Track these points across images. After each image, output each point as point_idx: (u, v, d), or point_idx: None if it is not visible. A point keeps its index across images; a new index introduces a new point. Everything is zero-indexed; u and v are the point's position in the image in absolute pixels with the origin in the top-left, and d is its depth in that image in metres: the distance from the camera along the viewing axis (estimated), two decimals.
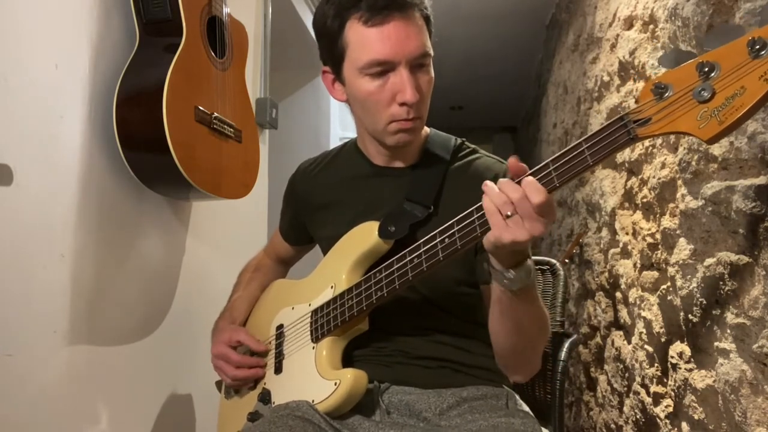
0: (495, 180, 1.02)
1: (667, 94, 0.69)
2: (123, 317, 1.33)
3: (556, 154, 0.76)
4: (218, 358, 1.13)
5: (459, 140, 1.11)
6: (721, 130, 0.65)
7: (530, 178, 0.76)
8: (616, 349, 1.98)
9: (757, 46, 0.63)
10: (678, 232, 1.39)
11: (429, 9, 0.98)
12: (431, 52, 0.97)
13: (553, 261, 1.35)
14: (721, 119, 0.65)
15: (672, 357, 1.44)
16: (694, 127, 0.67)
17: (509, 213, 0.76)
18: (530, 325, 0.91)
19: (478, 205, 0.81)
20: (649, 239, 1.63)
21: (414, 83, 0.93)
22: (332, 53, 0.98)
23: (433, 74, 0.99)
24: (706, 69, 0.66)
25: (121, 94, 1.24)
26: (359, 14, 0.92)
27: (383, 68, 0.93)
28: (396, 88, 0.93)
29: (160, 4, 1.29)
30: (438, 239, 0.86)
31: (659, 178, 1.53)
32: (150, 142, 1.23)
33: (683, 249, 1.35)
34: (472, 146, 1.11)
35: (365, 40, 0.92)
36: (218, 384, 1.25)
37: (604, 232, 2.19)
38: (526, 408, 1.02)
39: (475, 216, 0.82)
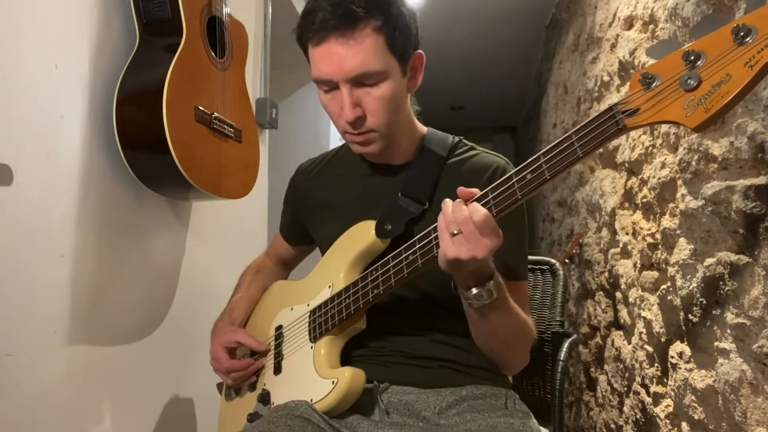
0: (494, 174, 1.03)
1: (654, 84, 0.70)
2: (123, 317, 1.34)
3: (547, 147, 0.77)
4: (213, 360, 1.15)
5: (457, 138, 1.11)
6: (708, 118, 0.66)
7: (474, 202, 0.81)
8: (616, 349, 1.98)
9: (742, 33, 0.64)
10: (678, 232, 1.39)
11: (392, 18, 0.93)
12: (382, 68, 0.93)
13: (553, 261, 1.35)
14: (707, 107, 0.65)
15: (672, 357, 1.44)
16: (681, 115, 0.68)
17: (455, 232, 0.79)
18: (503, 333, 0.95)
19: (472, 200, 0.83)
20: (649, 239, 1.63)
21: (354, 101, 0.93)
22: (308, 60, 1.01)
23: (387, 89, 0.94)
24: (692, 58, 0.67)
25: (121, 94, 1.24)
26: (308, 32, 0.94)
27: (328, 86, 0.95)
28: (341, 103, 0.95)
29: (160, 4, 1.29)
30: (432, 235, 0.87)
31: (659, 178, 1.53)
32: (150, 142, 1.23)
33: (683, 249, 1.35)
34: (470, 144, 1.12)
35: (312, 57, 0.95)
36: (219, 386, 1.25)
37: (604, 232, 2.19)
38: (525, 408, 1.02)
39: None
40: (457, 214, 0.80)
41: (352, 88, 0.93)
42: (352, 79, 0.92)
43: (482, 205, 0.81)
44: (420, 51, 1.01)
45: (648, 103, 0.70)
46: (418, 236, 0.89)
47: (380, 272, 0.93)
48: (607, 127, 0.73)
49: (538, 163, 0.77)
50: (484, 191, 0.82)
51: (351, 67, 0.91)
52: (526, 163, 0.79)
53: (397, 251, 0.92)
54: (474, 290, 0.85)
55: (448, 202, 0.83)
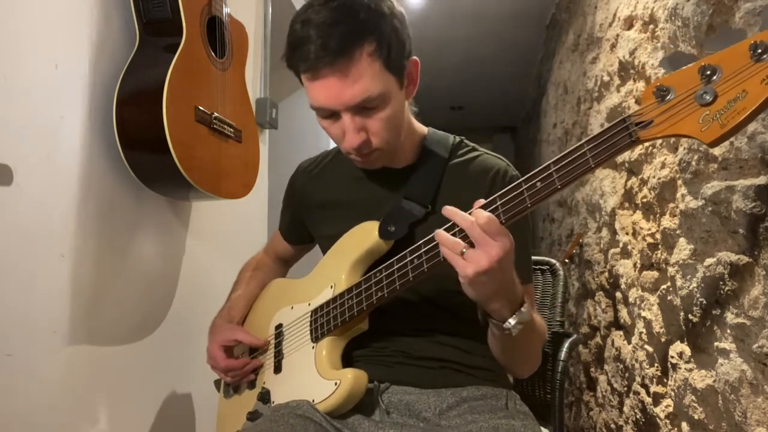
0: (496, 176, 1.03)
1: (669, 97, 0.69)
2: (123, 317, 1.34)
3: (558, 156, 0.77)
4: (210, 358, 1.15)
5: (458, 138, 1.11)
6: (723, 133, 0.65)
7: (478, 208, 0.80)
8: (616, 349, 1.98)
9: (759, 50, 0.63)
10: (678, 232, 1.39)
11: (387, 37, 0.90)
12: (381, 91, 0.91)
13: (553, 261, 1.35)
14: (723, 122, 0.65)
15: (672, 357, 1.44)
16: (696, 130, 0.67)
17: (462, 250, 0.79)
18: (530, 346, 0.97)
19: (483, 203, 0.82)
20: (649, 239, 1.63)
21: (357, 127, 0.92)
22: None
23: (389, 109, 0.93)
24: (708, 72, 0.67)
25: (121, 94, 1.24)
26: (301, 65, 0.91)
27: (327, 113, 0.94)
28: (343, 128, 0.94)
29: (160, 4, 1.29)
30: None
31: (659, 178, 1.53)
32: (150, 142, 1.23)
33: (683, 249, 1.35)
34: (472, 144, 1.11)
35: (307, 88, 0.93)
36: (217, 383, 1.25)
37: (604, 232, 2.19)
38: (526, 409, 1.02)
39: None
40: (461, 222, 0.79)
41: (353, 115, 0.92)
42: (353, 108, 0.91)
43: (491, 211, 0.80)
44: (414, 57, 0.98)
45: (662, 116, 0.70)
46: (423, 240, 0.88)
47: (384, 275, 0.93)
48: (620, 138, 0.72)
49: (549, 172, 0.77)
50: (492, 198, 0.82)
51: (350, 97, 0.89)
52: (535, 171, 0.78)
53: (401, 254, 0.91)
54: (511, 321, 0.84)
55: (440, 232, 0.82)
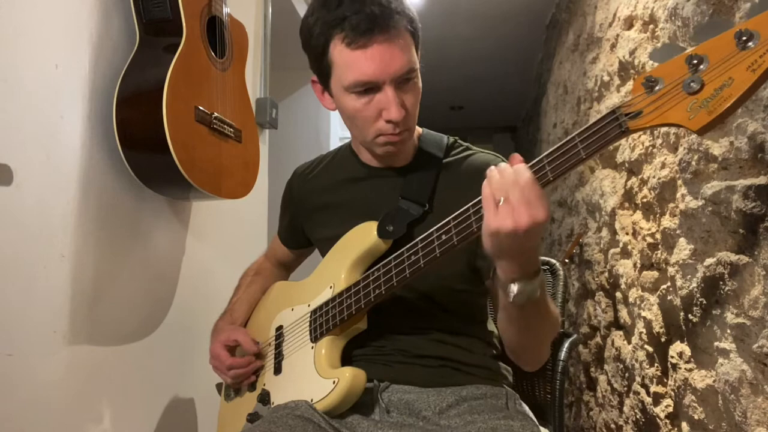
0: None
1: (657, 87, 0.71)
2: (123, 317, 1.34)
3: (550, 149, 0.77)
4: (213, 358, 1.15)
5: (452, 138, 1.12)
6: (711, 121, 0.66)
7: (522, 164, 0.76)
8: (616, 349, 1.98)
9: (744, 38, 0.65)
10: (678, 232, 1.39)
11: (415, 17, 0.97)
12: (417, 65, 0.96)
13: (553, 261, 1.35)
14: (710, 109, 0.66)
15: (672, 357, 1.44)
16: (684, 118, 0.68)
17: (501, 198, 0.74)
18: (539, 327, 0.91)
19: (475, 200, 0.81)
20: (649, 239, 1.63)
21: (399, 101, 0.94)
22: (319, 68, 0.99)
23: (420, 84, 0.98)
24: (695, 61, 0.68)
25: (121, 94, 1.24)
26: (342, 35, 0.91)
27: (368, 87, 0.94)
28: (381, 105, 0.94)
29: (160, 4, 1.29)
30: (434, 236, 0.86)
31: (659, 178, 1.53)
32: (150, 142, 1.23)
33: (683, 249, 1.35)
34: (465, 144, 1.12)
35: (349, 61, 0.92)
36: (218, 386, 1.25)
37: (604, 232, 2.19)
38: (526, 408, 1.02)
39: (471, 211, 0.82)
40: (505, 176, 0.74)
41: (395, 88, 0.93)
42: (398, 78, 0.93)
43: None
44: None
45: (651, 105, 0.71)
46: (419, 237, 0.89)
47: (382, 272, 0.93)
48: (611, 129, 0.73)
49: (541, 165, 0.77)
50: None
51: (400, 65, 0.92)
52: (530, 164, 0.79)
53: (398, 252, 0.92)
54: (514, 287, 0.78)
55: (493, 169, 0.76)
